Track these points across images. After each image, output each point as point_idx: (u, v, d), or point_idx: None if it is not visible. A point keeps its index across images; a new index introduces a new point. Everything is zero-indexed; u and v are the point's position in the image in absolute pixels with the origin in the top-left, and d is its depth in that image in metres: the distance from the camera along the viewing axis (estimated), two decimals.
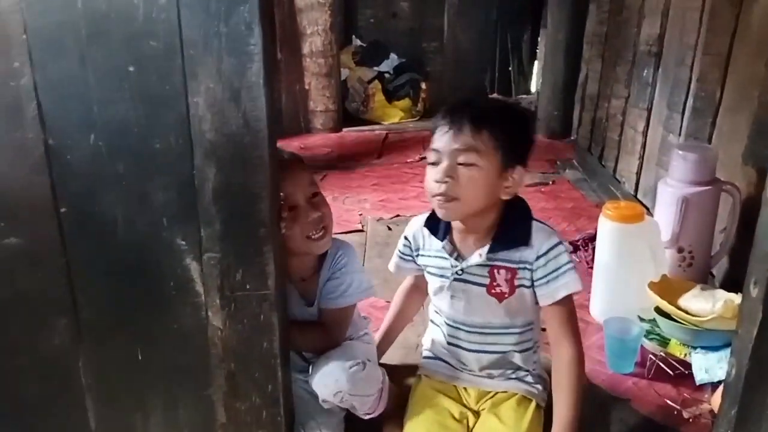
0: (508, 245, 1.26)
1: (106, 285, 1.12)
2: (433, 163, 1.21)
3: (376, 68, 4.79)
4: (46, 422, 1.20)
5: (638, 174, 2.99)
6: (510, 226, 1.27)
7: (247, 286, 1.10)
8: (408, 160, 3.65)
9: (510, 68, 5.25)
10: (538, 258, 1.25)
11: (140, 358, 1.17)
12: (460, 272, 1.30)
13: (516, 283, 1.27)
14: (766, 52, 1.88)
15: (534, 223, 1.27)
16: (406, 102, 4.75)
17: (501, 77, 5.26)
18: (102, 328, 1.15)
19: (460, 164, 1.18)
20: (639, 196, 2.93)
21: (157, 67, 0.98)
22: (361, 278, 1.38)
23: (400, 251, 1.44)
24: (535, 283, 1.27)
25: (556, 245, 1.25)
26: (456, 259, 1.31)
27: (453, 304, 1.34)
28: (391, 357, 1.61)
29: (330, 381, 1.24)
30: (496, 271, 1.27)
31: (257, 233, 1.06)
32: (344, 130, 4.42)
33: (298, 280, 1.38)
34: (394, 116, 4.70)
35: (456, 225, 1.30)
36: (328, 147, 3.97)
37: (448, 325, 1.38)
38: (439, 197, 1.20)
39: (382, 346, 1.56)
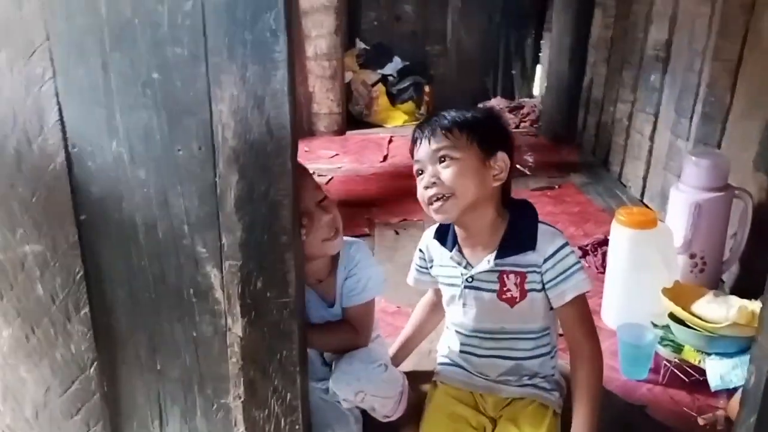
0: (515, 250, 1.27)
1: (124, 293, 1.11)
2: (419, 174, 1.28)
3: (379, 71, 4.77)
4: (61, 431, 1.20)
5: (645, 179, 2.99)
6: (516, 230, 1.28)
7: (268, 294, 1.09)
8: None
9: (513, 71, 5.25)
10: (545, 261, 1.26)
11: (158, 366, 1.16)
12: (470, 280, 1.31)
13: (526, 287, 1.28)
14: None
15: (540, 225, 1.29)
16: (409, 105, 4.75)
17: (504, 80, 5.26)
18: (119, 336, 1.14)
19: (441, 163, 1.23)
20: (645, 200, 2.94)
21: (181, 74, 0.97)
22: (378, 271, 1.41)
23: (417, 264, 1.46)
24: (546, 286, 1.27)
25: (562, 247, 1.26)
26: (465, 267, 1.32)
27: (465, 313, 1.34)
28: (405, 363, 1.60)
29: (352, 380, 1.26)
30: (505, 276, 1.28)
31: (279, 240, 1.06)
32: (348, 132, 4.42)
33: (315, 283, 1.38)
34: (397, 119, 4.69)
35: (459, 233, 1.32)
36: (333, 150, 3.96)
37: (462, 333, 1.38)
38: (432, 202, 1.24)
39: (399, 356, 1.55)
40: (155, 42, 0.96)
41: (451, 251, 1.33)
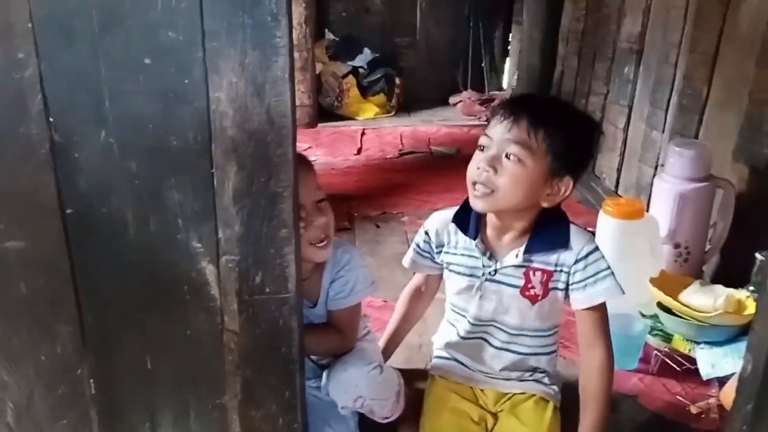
0: (546, 247, 1.23)
1: (113, 290, 1.06)
2: (481, 149, 1.19)
3: (350, 63, 4.73)
4: None
5: (619, 170, 3.02)
6: (548, 227, 1.24)
7: (267, 290, 1.05)
8: (388, 156, 3.61)
9: (482, 64, 5.26)
10: (577, 261, 1.23)
11: (149, 366, 1.11)
12: (492, 273, 1.27)
13: (550, 285, 1.26)
14: (756, 50, 1.91)
15: (572, 225, 1.25)
16: (380, 97, 4.71)
17: (474, 73, 5.27)
18: (108, 335, 1.09)
19: (507, 157, 1.15)
20: (620, 192, 2.97)
21: (175, 59, 0.92)
22: (365, 274, 1.36)
23: (418, 246, 1.38)
24: (571, 287, 1.25)
25: (595, 249, 1.24)
26: (489, 258, 1.27)
27: (482, 305, 1.31)
28: (395, 359, 1.58)
29: (350, 387, 1.22)
30: (531, 272, 1.25)
31: (278, 234, 1.02)
32: (320, 125, 4.36)
33: None
34: (368, 112, 4.65)
35: (490, 222, 1.27)
36: (305, 143, 3.91)
37: (473, 324, 1.34)
38: (476, 186, 1.18)
39: (388, 349, 1.52)
40: (148, 26, 0.90)
41: (474, 239, 1.27)
